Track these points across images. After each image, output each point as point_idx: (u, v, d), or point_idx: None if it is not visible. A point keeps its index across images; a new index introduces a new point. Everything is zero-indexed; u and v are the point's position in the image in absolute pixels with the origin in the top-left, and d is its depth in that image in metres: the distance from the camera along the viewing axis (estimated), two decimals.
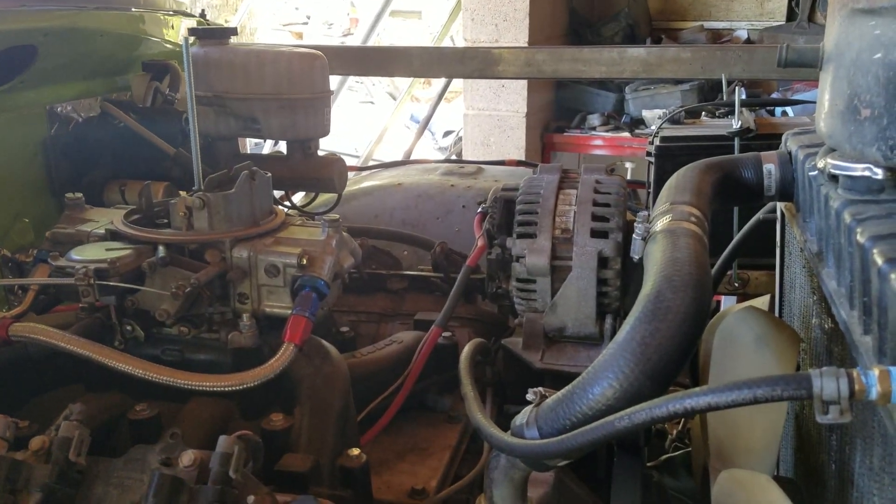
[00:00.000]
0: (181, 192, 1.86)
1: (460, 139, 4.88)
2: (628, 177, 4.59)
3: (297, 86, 1.79)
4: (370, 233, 1.93)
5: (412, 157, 4.67)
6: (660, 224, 1.12)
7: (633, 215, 1.40)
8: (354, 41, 6.32)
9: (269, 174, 1.33)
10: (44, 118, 1.82)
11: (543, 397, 1.00)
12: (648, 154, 2.09)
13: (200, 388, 1.09)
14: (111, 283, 1.12)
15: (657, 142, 2.07)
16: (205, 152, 1.85)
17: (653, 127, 4.36)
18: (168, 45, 2.20)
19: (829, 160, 1.03)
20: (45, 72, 1.76)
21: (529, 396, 1.00)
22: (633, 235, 1.15)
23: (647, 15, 5.03)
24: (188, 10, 2.37)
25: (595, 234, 1.38)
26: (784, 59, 1.14)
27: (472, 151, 4.47)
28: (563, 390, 0.97)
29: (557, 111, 4.72)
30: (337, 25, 16.85)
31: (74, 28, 1.80)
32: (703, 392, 0.76)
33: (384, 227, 2.19)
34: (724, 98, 2.09)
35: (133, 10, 2.05)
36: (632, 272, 1.43)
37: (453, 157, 5.16)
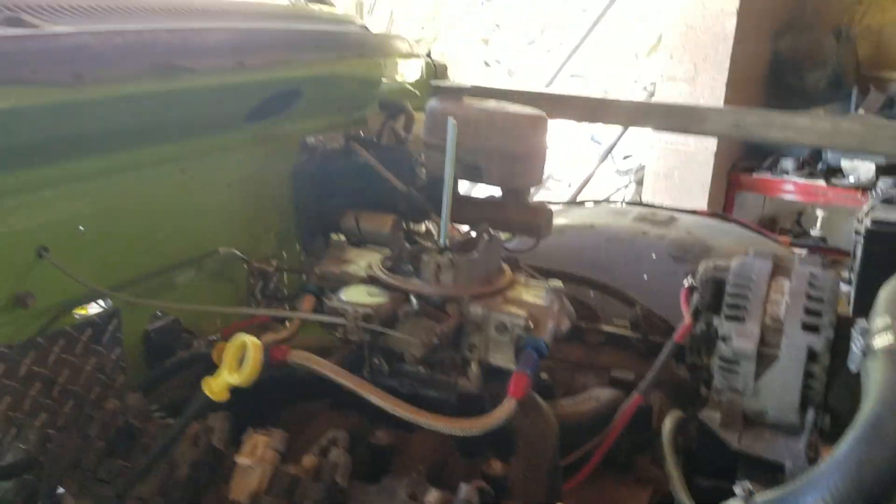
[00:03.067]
0: (406, 224, 2.09)
1: (642, 168, 4.89)
2: (818, 225, 4.43)
3: (519, 142, 1.94)
4: (571, 277, 2.04)
5: (592, 181, 4.74)
6: (880, 341, 1.16)
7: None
8: (540, 49, 6.42)
9: (503, 238, 1.48)
10: (296, 148, 2.08)
11: (751, 493, 1.09)
12: (857, 232, 2.06)
13: (437, 428, 1.25)
14: (374, 328, 1.31)
15: (868, 222, 2.04)
16: (430, 191, 2.06)
17: (851, 178, 4.19)
18: (399, 84, 2.42)
19: None
20: (303, 109, 2.02)
21: (738, 491, 1.09)
22: (853, 348, 1.20)
23: (855, 62, 4.79)
24: (416, 52, 2.59)
25: (806, 327, 1.42)
26: None
27: (653, 183, 4.48)
28: (774, 492, 1.05)
29: (748, 150, 4.62)
30: (524, 33, 17.04)
31: (334, 74, 2.04)
32: None
33: (575, 266, 2.30)
34: None
35: (380, 56, 2.28)
36: (838, 368, 1.46)
37: (633, 184, 5.17)
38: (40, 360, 1.37)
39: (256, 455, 1.17)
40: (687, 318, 1.56)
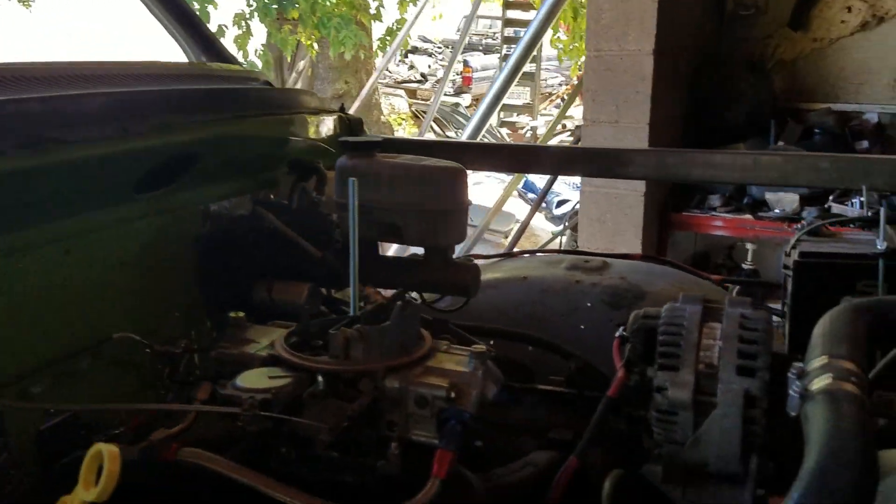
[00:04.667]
0: (323, 290, 1.97)
1: (576, 213, 4.89)
2: (749, 258, 4.46)
3: (438, 198, 1.86)
4: (504, 334, 1.95)
5: (527, 229, 4.71)
6: (818, 383, 1.09)
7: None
8: (467, 99, 6.47)
9: (420, 303, 1.38)
10: (198, 217, 1.95)
11: None
12: (786, 267, 2.03)
13: None
14: (273, 416, 1.19)
15: (795, 256, 2.01)
16: (347, 254, 1.95)
17: (776, 210, 4.25)
18: (311, 142, 2.32)
19: None
20: (202, 174, 1.89)
21: None
22: (790, 392, 1.13)
23: (771, 96, 4.92)
24: (329, 108, 2.50)
25: (741, 371, 1.35)
26: None
27: (587, 227, 4.46)
28: None
29: (676, 190, 4.66)
30: (449, 84, 17.34)
31: (233, 135, 1.93)
32: None
33: (510, 321, 2.21)
34: (867, 212, 2.01)
35: (285, 114, 2.18)
36: (780, 409, 1.39)
37: (568, 230, 5.17)
38: None
39: None
40: (620, 371, 1.47)
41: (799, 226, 2.14)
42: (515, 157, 2.37)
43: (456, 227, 1.91)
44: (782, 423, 1.42)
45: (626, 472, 1.41)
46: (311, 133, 2.35)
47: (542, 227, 5.65)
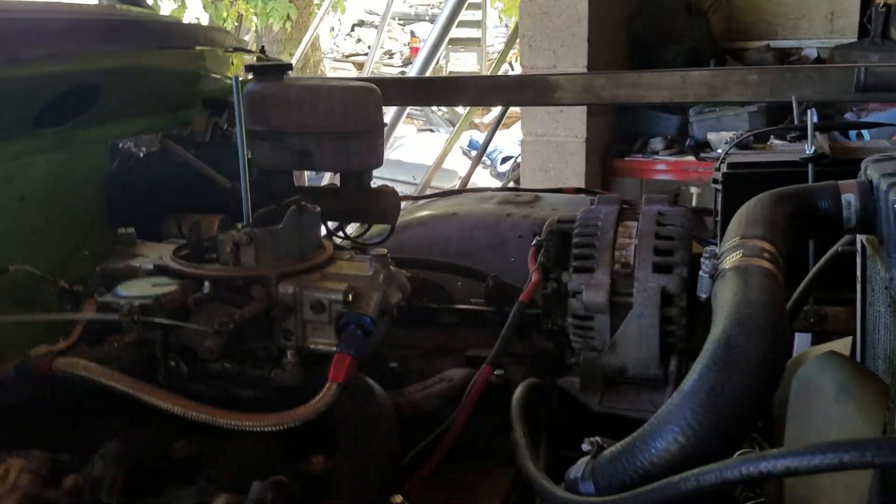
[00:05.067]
0: (237, 225, 1.88)
1: (518, 166, 4.82)
2: (693, 202, 4.45)
3: (350, 119, 1.77)
4: (421, 264, 1.88)
5: (469, 186, 4.63)
6: (729, 261, 1.04)
7: (701, 246, 1.32)
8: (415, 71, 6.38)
9: (318, 208, 1.30)
10: (106, 154, 1.84)
11: (601, 448, 0.93)
12: (715, 181, 1.99)
13: (239, 427, 1.05)
14: (155, 320, 1.10)
15: (724, 168, 1.97)
16: (261, 186, 1.85)
17: (719, 151, 4.24)
18: (228, 82, 2.21)
19: None
20: (108, 110, 1.78)
21: (585, 447, 0.94)
22: (700, 273, 1.07)
23: (709, 36, 4.89)
24: (249, 48, 2.39)
25: (658, 268, 1.30)
26: (862, 83, 1.06)
27: (530, 178, 4.40)
28: (623, 442, 0.90)
29: (618, 135, 4.62)
30: (398, 56, 17.13)
31: (136, 67, 1.82)
32: (783, 455, 0.68)
33: (438, 258, 2.15)
34: (796, 121, 1.98)
35: (194, 48, 2.07)
36: (700, 310, 1.34)
37: (511, 184, 5.11)
38: None
39: (7, 482, 0.93)
40: (534, 276, 1.41)
41: (729, 140, 2.11)
42: (436, 89, 2.28)
43: (370, 151, 1.82)
44: (704, 324, 1.38)
45: (541, 382, 1.36)
46: (229, 72, 2.24)
47: (487, 184, 5.58)
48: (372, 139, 1.84)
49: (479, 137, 5.66)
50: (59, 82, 1.61)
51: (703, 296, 1.06)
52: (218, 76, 2.19)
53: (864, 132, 3.47)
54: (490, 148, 5.25)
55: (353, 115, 1.79)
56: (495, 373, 1.39)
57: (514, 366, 1.54)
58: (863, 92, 1.02)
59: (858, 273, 1.42)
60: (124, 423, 1.21)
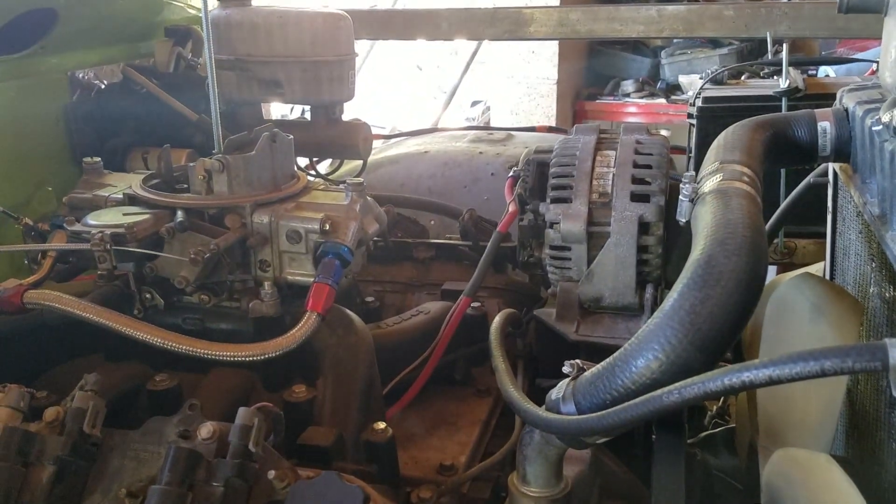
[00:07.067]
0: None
1: (489, 109, 4.78)
2: None
3: (320, 48, 1.72)
4: (396, 201, 1.86)
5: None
6: (709, 184, 1.04)
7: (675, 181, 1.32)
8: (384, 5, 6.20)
9: (291, 136, 1.27)
10: (65, 84, 1.78)
11: (581, 370, 0.94)
12: (690, 116, 1.99)
13: (220, 357, 1.03)
14: (128, 249, 1.07)
15: (699, 103, 1.96)
16: (228, 118, 1.80)
17: (690, 92, 4.23)
18: (191, 10, 2.13)
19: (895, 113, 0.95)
20: (67, 37, 1.71)
21: (566, 369, 0.94)
22: (680, 197, 1.07)
23: None
24: None
25: (635, 197, 1.30)
26: (846, 5, 1.05)
27: (500, 120, 4.38)
28: (603, 362, 0.90)
29: (590, 78, 4.59)
30: None
31: None
32: (764, 364, 0.68)
33: (410, 195, 2.13)
34: (770, 57, 1.98)
35: None
36: (674, 239, 1.35)
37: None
38: None
39: None
40: (511, 207, 1.40)
41: (704, 76, 2.10)
42: (408, 21, 2.22)
43: (341, 82, 1.78)
44: (680, 254, 1.39)
45: (518, 313, 1.36)
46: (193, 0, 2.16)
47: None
48: (343, 69, 1.80)
49: (449, 83, 5.56)
50: (14, 3, 1.54)
51: (684, 220, 1.06)
52: (181, 4, 2.11)
53: (830, 71, 3.48)
54: (459, 92, 5.17)
55: (324, 44, 1.74)
56: (472, 305, 1.40)
57: (491, 299, 1.55)
58: (845, 13, 1.01)
59: (830, 202, 1.44)
60: (100, 360, 1.20)
